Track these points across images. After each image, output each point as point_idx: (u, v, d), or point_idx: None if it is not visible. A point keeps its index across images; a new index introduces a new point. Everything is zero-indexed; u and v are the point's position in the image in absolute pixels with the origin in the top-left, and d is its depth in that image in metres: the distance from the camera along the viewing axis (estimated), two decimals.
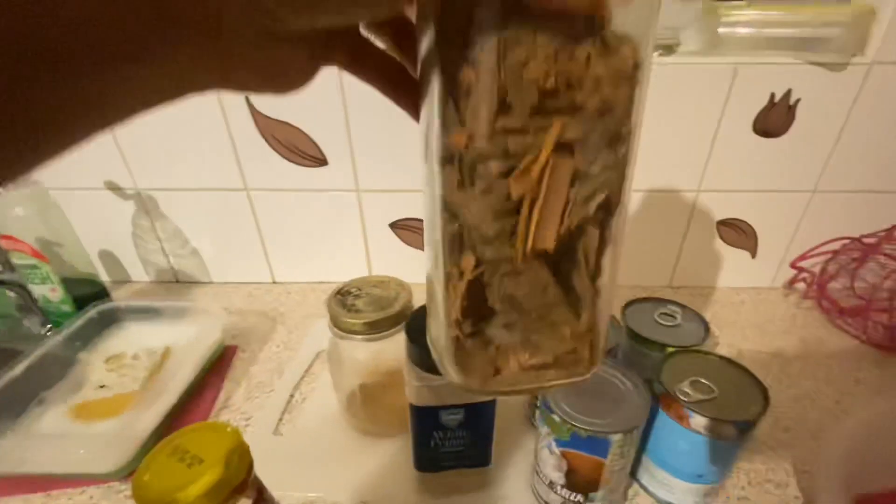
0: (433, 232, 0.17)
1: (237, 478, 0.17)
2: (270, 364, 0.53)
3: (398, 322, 0.36)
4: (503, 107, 0.14)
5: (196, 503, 0.15)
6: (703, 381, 0.34)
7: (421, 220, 0.62)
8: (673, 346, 0.38)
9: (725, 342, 0.56)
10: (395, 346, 0.37)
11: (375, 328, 0.36)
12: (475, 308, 0.17)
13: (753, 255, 0.64)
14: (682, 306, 0.43)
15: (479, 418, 0.33)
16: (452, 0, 0.14)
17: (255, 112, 0.55)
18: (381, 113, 0.53)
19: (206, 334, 0.50)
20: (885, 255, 0.54)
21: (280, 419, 0.46)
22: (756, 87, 0.52)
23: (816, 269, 0.61)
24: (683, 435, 0.33)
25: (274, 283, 0.68)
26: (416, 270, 0.66)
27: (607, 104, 0.14)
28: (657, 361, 0.36)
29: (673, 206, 0.60)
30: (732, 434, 0.32)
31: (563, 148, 0.14)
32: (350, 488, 0.38)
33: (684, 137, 0.55)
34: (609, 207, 0.16)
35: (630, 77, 0.14)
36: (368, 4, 0.13)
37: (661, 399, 0.34)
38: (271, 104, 0.54)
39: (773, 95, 0.52)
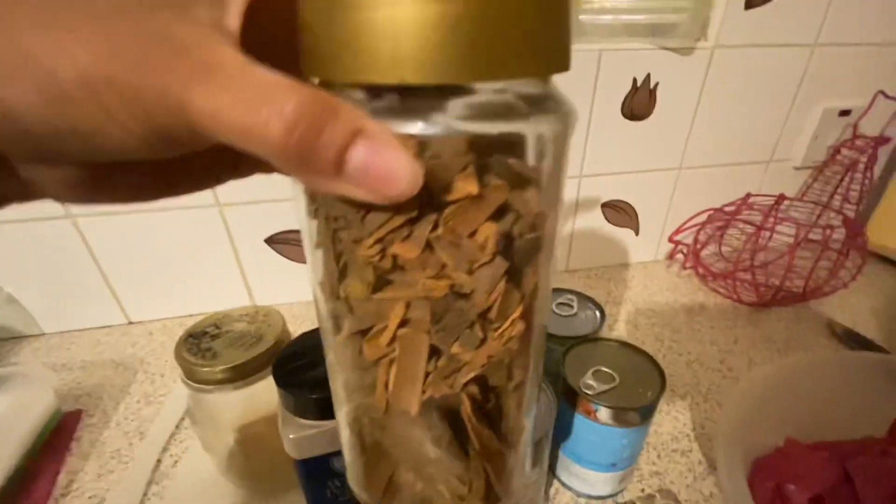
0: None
1: None
2: (128, 425, 0.43)
3: (270, 360, 0.31)
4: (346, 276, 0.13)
5: None
6: (605, 369, 0.33)
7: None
8: (572, 337, 0.37)
9: (622, 318, 0.58)
10: (270, 388, 0.31)
11: (241, 374, 0.29)
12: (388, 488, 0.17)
13: (637, 232, 0.67)
14: (577, 294, 0.43)
15: None
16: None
17: None
18: None
19: (30, 403, 0.39)
20: (742, 220, 0.59)
21: (145, 494, 0.37)
22: (620, 73, 0.54)
23: (690, 241, 0.65)
24: (592, 429, 0.32)
25: (130, 323, 0.56)
26: (305, 288, 0.60)
27: (458, 287, 0.12)
28: (558, 355, 0.35)
29: None
30: (637, 420, 0.31)
31: (417, 323, 0.13)
32: None
33: None
34: (491, 385, 0.14)
35: (492, 261, 0.12)
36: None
37: (567, 396, 0.33)
38: None
39: (635, 80, 0.55)
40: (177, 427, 0.43)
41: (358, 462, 0.18)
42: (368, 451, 0.17)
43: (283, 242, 0.55)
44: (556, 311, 0.41)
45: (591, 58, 0.52)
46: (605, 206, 0.63)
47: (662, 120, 0.58)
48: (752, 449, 0.30)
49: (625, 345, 0.36)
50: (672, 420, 0.44)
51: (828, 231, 0.55)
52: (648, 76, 0.55)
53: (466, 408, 0.14)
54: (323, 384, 0.25)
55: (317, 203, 0.13)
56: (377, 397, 0.14)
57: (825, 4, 0.55)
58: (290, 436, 0.26)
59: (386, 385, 0.13)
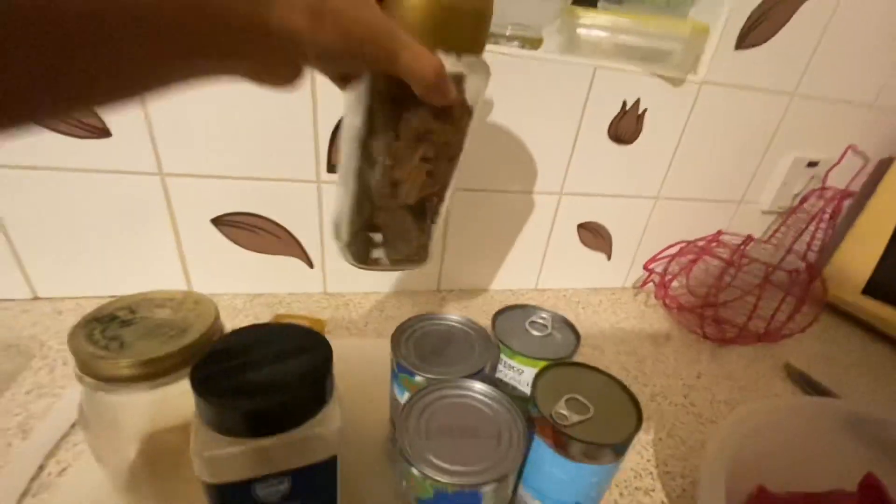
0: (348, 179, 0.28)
1: None
2: (10, 420, 0.36)
3: (195, 355, 0.25)
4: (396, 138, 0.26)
5: None
6: (579, 398, 0.30)
7: (255, 216, 0.49)
8: (546, 360, 0.34)
9: (589, 344, 0.56)
10: (188, 392, 0.26)
11: (153, 371, 0.24)
12: (369, 226, 0.29)
13: (609, 257, 0.66)
14: (552, 314, 0.40)
15: (314, 482, 0.24)
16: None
17: None
18: None
19: None
20: (711, 255, 0.59)
21: None
22: (611, 93, 0.53)
23: (661, 270, 0.65)
24: (561, 464, 0.29)
25: (35, 298, 0.48)
26: (249, 275, 0.54)
27: (450, 143, 0.28)
28: (530, 377, 0.32)
29: (539, 208, 0.58)
30: (611, 457, 0.28)
31: (425, 160, 0.27)
32: None
33: (549, 139, 0.54)
34: (444, 188, 0.29)
35: (464, 134, 0.29)
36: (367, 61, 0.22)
37: (536, 423, 0.29)
38: None
39: (625, 103, 0.54)
40: (72, 427, 0.36)
41: (350, 206, 0.28)
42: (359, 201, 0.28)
43: (234, 225, 0.49)
44: (530, 329, 0.38)
45: (585, 73, 0.50)
46: (581, 226, 0.62)
47: (646, 147, 0.57)
48: (727, 499, 0.27)
49: (600, 372, 0.33)
50: (636, 455, 0.41)
51: (794, 273, 0.55)
52: (638, 101, 0.54)
53: (434, 202, 0.29)
54: (254, 393, 0.21)
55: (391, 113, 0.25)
56: (399, 196, 0.27)
57: (808, 56, 0.56)
58: (204, 454, 0.21)
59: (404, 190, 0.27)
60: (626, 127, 0.55)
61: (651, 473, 0.40)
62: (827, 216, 0.59)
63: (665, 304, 0.64)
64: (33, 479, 0.32)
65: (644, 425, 0.45)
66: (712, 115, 0.57)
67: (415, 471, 0.23)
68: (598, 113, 0.53)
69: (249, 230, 0.50)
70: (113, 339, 0.24)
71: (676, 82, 0.53)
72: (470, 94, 0.27)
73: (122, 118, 0.42)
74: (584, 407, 0.30)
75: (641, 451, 0.42)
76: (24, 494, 0.31)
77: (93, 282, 0.49)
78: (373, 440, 0.37)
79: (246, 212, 0.49)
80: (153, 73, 0.16)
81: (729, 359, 0.57)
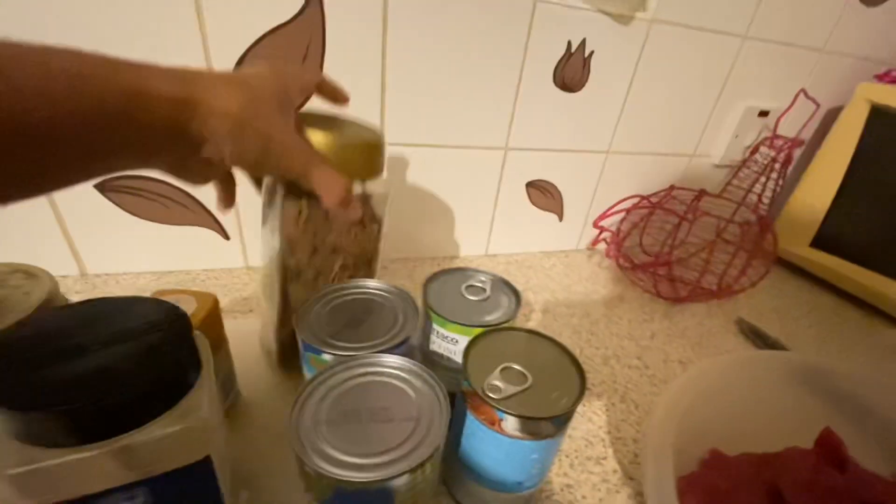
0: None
1: None
2: None
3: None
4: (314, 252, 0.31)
5: None
6: (515, 366, 0.27)
7: (150, 179, 0.42)
8: (483, 327, 0.30)
9: (540, 308, 0.53)
10: None
11: None
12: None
13: (560, 217, 0.63)
14: (492, 276, 0.36)
15: (185, 491, 0.19)
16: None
17: None
18: (62, 11, 0.33)
19: None
20: (665, 209, 0.57)
21: None
22: (554, 33, 0.48)
23: (614, 229, 0.62)
24: (497, 442, 0.25)
25: None
26: (159, 253, 0.46)
27: (365, 249, 0.33)
28: (463, 347, 0.28)
29: (485, 166, 0.54)
30: (551, 430, 0.25)
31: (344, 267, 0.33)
32: None
33: (491, 86, 0.49)
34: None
35: (377, 240, 0.33)
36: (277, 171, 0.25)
37: (468, 398, 0.26)
38: None
39: (569, 44, 0.49)
40: None
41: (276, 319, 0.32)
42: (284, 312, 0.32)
43: (124, 191, 0.42)
44: (466, 294, 0.34)
45: (524, 8, 0.45)
46: (529, 185, 0.58)
47: (594, 95, 0.53)
48: (677, 465, 0.25)
49: (540, 336, 0.29)
50: (587, 422, 0.39)
51: (745, 227, 0.54)
52: (584, 42, 0.49)
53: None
54: (69, 388, 0.16)
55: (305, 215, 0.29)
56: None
57: None
58: (7, 472, 0.15)
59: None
60: (571, 72, 0.51)
61: (603, 440, 0.37)
62: (778, 166, 0.57)
63: (618, 265, 0.62)
64: None
65: (596, 390, 0.42)
66: (663, 58, 0.54)
67: (308, 468, 0.19)
68: (541, 56, 0.49)
69: (146, 198, 0.43)
70: None
71: (624, 20, 0.49)
72: (377, 208, 0.33)
73: None
74: (521, 377, 0.26)
75: (592, 417, 0.39)
76: None
77: None
78: (277, 433, 0.33)
79: (137, 175, 0.42)
80: (88, 167, 0.18)
81: (682, 317, 0.56)
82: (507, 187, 0.57)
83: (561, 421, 0.25)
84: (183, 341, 0.18)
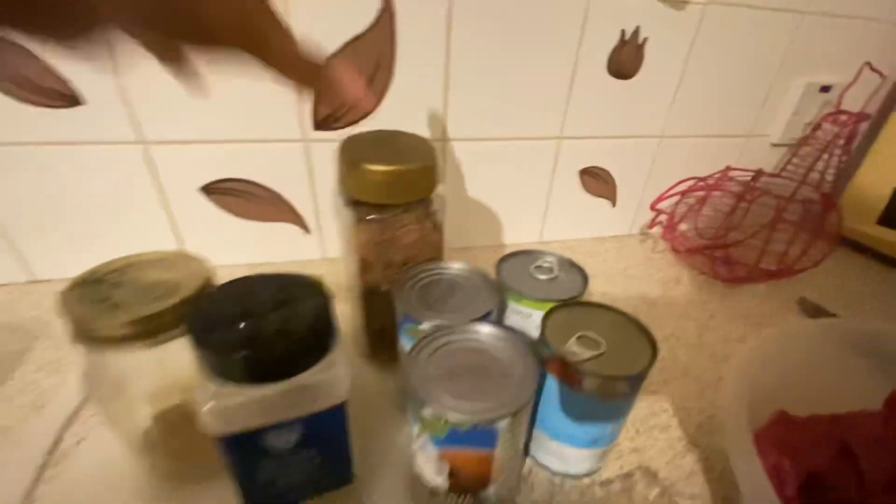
0: None
1: None
2: (23, 398, 0.36)
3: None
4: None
5: None
6: (590, 335, 0.29)
7: (245, 181, 0.48)
8: (554, 302, 0.33)
9: (598, 292, 0.55)
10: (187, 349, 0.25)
11: (151, 329, 0.23)
12: None
13: (613, 203, 0.64)
14: (557, 256, 0.39)
15: (326, 430, 0.24)
16: None
17: None
18: None
19: None
20: (721, 189, 0.57)
21: (37, 479, 0.30)
22: (608, 22, 0.49)
23: (670, 209, 0.63)
24: (576, 399, 0.28)
25: (33, 282, 0.48)
26: (245, 244, 0.53)
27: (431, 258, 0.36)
28: (539, 322, 0.31)
29: (539, 156, 0.56)
30: (625, 390, 0.28)
31: None
32: None
33: (545, 78, 0.51)
34: None
35: (440, 246, 0.37)
36: None
37: (547, 362, 0.29)
38: None
39: (623, 32, 0.51)
40: (85, 400, 0.36)
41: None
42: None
43: (223, 192, 0.48)
44: (535, 274, 0.37)
45: (578, 2, 0.47)
46: (583, 172, 0.60)
47: (648, 81, 0.54)
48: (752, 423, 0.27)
49: (611, 309, 0.32)
50: (651, 395, 0.41)
51: (807, 205, 0.53)
52: (638, 29, 0.51)
53: None
54: (256, 340, 0.20)
55: None
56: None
57: None
58: (210, 404, 0.20)
59: None
60: (625, 59, 0.52)
61: (667, 411, 0.40)
62: (842, 142, 0.56)
63: (673, 249, 0.63)
64: (50, 452, 0.32)
65: (658, 366, 0.44)
66: (717, 40, 0.54)
67: (427, 410, 0.23)
68: (596, 45, 0.50)
69: (241, 197, 0.49)
70: (104, 301, 0.23)
71: (679, 5, 0.50)
72: (438, 216, 0.35)
73: (92, 84, 0.40)
74: (595, 343, 0.29)
75: (656, 390, 0.42)
76: (43, 467, 0.31)
77: (89, 261, 0.48)
78: (381, 393, 0.37)
79: (234, 177, 0.47)
80: None
81: (741, 298, 0.56)
82: (561, 175, 0.59)
83: (635, 381, 0.27)
84: (327, 306, 0.22)
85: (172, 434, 0.28)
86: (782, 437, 0.27)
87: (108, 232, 0.47)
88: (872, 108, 0.65)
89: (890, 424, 0.27)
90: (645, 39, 0.52)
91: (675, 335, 0.49)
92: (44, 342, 0.41)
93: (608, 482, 0.33)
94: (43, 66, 0.38)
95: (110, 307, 0.23)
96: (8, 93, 0.38)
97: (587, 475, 0.33)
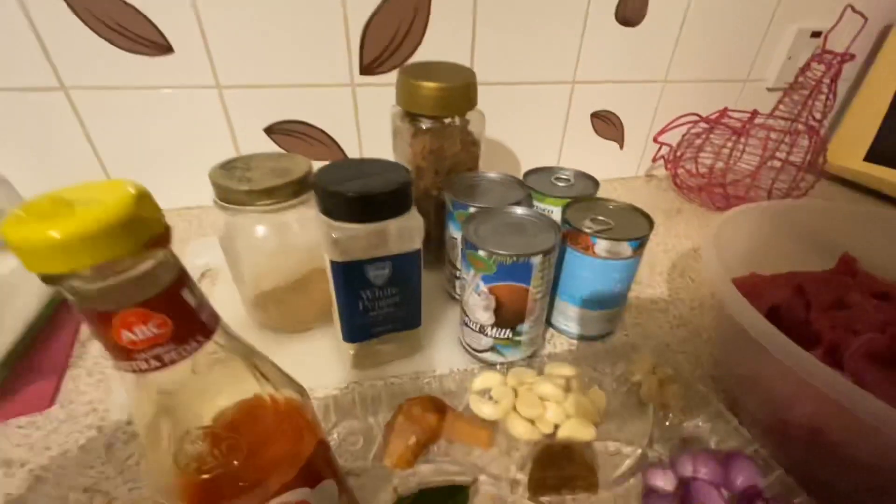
0: None
1: (153, 222, 0.12)
2: None
3: (301, 191, 0.33)
4: None
5: (104, 241, 0.11)
6: (600, 217, 0.37)
7: (303, 123, 0.56)
8: (570, 198, 0.41)
9: None
10: (301, 225, 0.34)
11: (275, 197, 0.31)
12: None
13: (621, 146, 0.71)
14: (572, 170, 0.46)
15: (406, 272, 0.32)
16: None
17: None
18: None
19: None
20: (720, 124, 0.64)
21: None
22: None
23: (673, 144, 0.70)
24: (589, 263, 0.36)
25: None
26: None
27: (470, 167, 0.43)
28: (556, 217, 0.39)
29: (554, 99, 0.63)
30: (629, 252, 0.36)
31: None
32: None
33: (559, 26, 0.58)
34: None
35: (477, 158, 0.44)
36: None
37: (567, 236, 0.37)
38: None
39: None
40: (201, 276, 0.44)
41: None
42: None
43: (284, 133, 0.56)
44: (555, 182, 0.44)
45: None
46: (594, 116, 0.67)
47: (652, 28, 0.61)
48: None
49: (617, 202, 0.40)
50: (650, 289, 0.49)
51: (794, 136, 0.60)
52: None
53: None
54: (359, 189, 0.28)
55: None
56: None
57: None
58: (333, 235, 0.28)
59: None
60: (632, 7, 0.59)
61: (665, 299, 0.48)
62: (828, 81, 0.62)
63: (676, 184, 0.70)
64: None
65: (658, 269, 0.52)
66: None
67: (481, 252, 0.31)
68: None
69: (298, 137, 0.57)
70: (241, 178, 0.31)
71: None
72: (476, 133, 0.42)
73: (181, 32, 0.47)
74: (605, 223, 0.37)
75: (655, 286, 0.49)
76: None
77: (166, 195, 0.57)
78: (432, 284, 0.46)
79: (292, 119, 0.55)
80: None
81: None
82: (574, 117, 0.66)
83: (637, 244, 0.35)
84: (407, 176, 0.30)
85: (281, 295, 0.37)
86: (751, 284, 0.35)
87: (185, 168, 0.55)
88: (860, 50, 0.71)
89: (836, 273, 0.35)
90: None
91: (674, 248, 0.56)
92: None
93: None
94: (143, 16, 0.46)
95: (242, 180, 0.31)
96: (113, 42, 0.46)
97: (598, 338, 0.41)
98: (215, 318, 0.15)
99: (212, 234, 0.53)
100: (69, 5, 0.44)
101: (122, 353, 0.13)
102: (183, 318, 0.13)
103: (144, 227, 0.12)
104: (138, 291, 0.12)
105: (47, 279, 0.11)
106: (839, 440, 0.24)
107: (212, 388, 0.16)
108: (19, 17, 0.43)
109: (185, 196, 0.57)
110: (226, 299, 0.41)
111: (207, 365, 0.15)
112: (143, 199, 0.12)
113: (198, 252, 0.48)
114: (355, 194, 0.27)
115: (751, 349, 0.26)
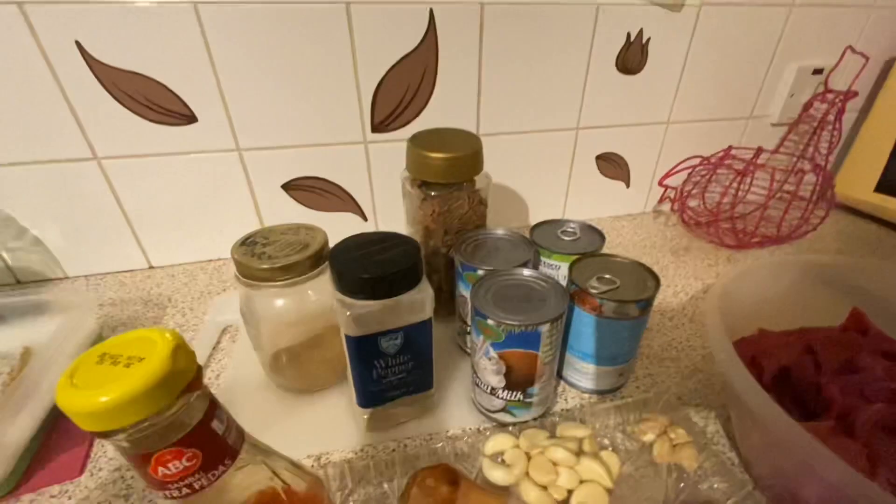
0: None
1: (188, 371, 0.14)
2: None
3: (317, 264, 0.34)
4: None
5: (145, 400, 0.12)
6: (607, 276, 0.38)
7: (319, 178, 0.58)
8: (577, 254, 0.42)
9: None
10: (317, 293, 0.35)
11: (292, 272, 0.33)
12: None
13: (627, 184, 0.72)
14: (578, 222, 0.47)
15: (418, 340, 0.33)
16: None
17: (89, 59, 0.46)
18: (255, 55, 0.49)
19: (76, 327, 0.42)
20: (727, 166, 0.64)
21: None
22: (615, 28, 0.58)
23: (678, 186, 0.71)
24: (598, 323, 0.37)
25: (151, 268, 0.59)
26: None
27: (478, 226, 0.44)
28: (566, 272, 0.39)
29: (559, 145, 0.65)
30: (636, 312, 0.36)
31: None
32: (291, 446, 0.35)
33: (561, 78, 0.60)
34: None
35: (484, 217, 0.45)
36: None
37: (574, 297, 0.38)
38: (109, 49, 0.46)
39: (629, 35, 0.59)
40: (214, 349, 0.46)
41: None
42: None
43: (300, 189, 0.58)
44: (561, 236, 0.46)
45: (588, 13, 0.56)
46: (599, 158, 0.68)
47: (653, 74, 0.63)
48: (730, 334, 0.35)
49: (623, 258, 0.41)
50: (661, 335, 0.49)
51: (800, 174, 0.60)
52: (641, 31, 0.59)
53: None
54: (372, 269, 0.29)
55: None
56: None
57: None
58: (347, 313, 0.30)
59: None
60: (632, 58, 0.60)
61: (675, 348, 0.48)
62: (832, 118, 0.63)
63: (683, 221, 0.71)
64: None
65: (668, 314, 0.52)
66: (714, 36, 0.62)
67: (490, 321, 0.32)
68: (605, 47, 0.59)
69: (313, 192, 0.59)
70: (261, 255, 0.33)
71: (675, 8, 0.58)
72: (483, 194, 0.43)
73: (204, 103, 0.50)
74: (611, 281, 0.38)
75: (666, 332, 0.50)
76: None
77: (192, 249, 0.59)
78: (443, 338, 0.47)
79: (308, 175, 0.58)
80: None
81: (745, 261, 0.64)
82: (579, 161, 0.67)
83: (644, 304, 0.36)
84: (417, 250, 0.32)
85: (299, 359, 0.38)
86: (760, 342, 0.35)
87: (209, 224, 0.58)
88: (863, 87, 0.71)
89: (846, 331, 0.35)
90: (648, 39, 0.60)
91: (685, 290, 0.57)
92: (171, 310, 0.52)
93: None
94: (170, 91, 0.49)
95: (261, 256, 0.33)
96: (142, 115, 0.49)
97: (610, 391, 0.42)
98: (241, 435, 0.17)
99: (232, 288, 0.55)
100: (102, 84, 0.47)
101: (157, 485, 0.14)
102: (212, 447, 0.15)
103: (180, 378, 0.13)
104: (173, 432, 0.14)
105: (97, 434, 0.12)
106: None
107: (232, 489, 0.18)
108: (57, 96, 0.47)
109: (207, 249, 0.60)
110: (245, 357, 0.42)
111: (230, 475, 0.17)
112: (180, 350, 0.13)
113: (219, 308, 0.50)
114: (369, 276, 0.29)
115: (754, 421, 0.26)
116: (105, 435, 0.12)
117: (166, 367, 0.13)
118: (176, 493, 0.14)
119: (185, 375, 0.14)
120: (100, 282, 0.57)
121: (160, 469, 0.14)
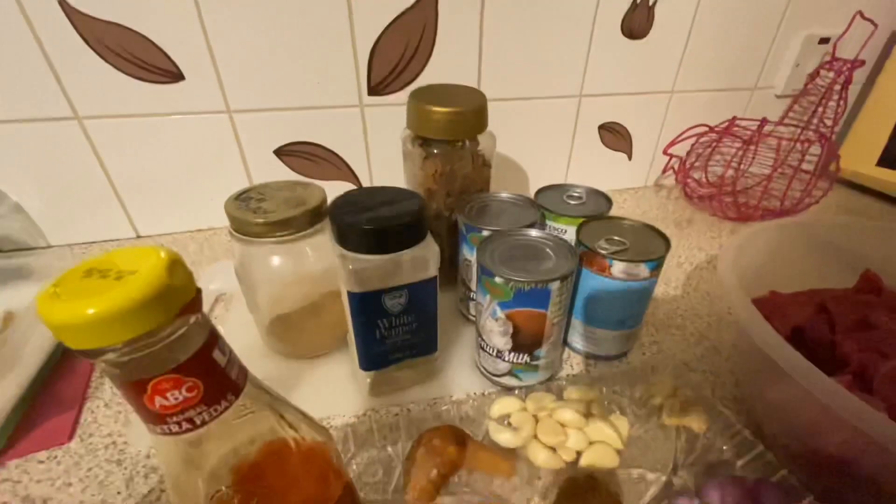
0: None
1: (186, 290, 0.12)
2: None
3: (315, 220, 0.33)
4: None
5: (139, 314, 0.11)
6: (616, 237, 0.37)
7: (313, 144, 0.56)
8: (584, 217, 0.40)
9: None
10: (315, 251, 0.34)
11: (290, 227, 0.31)
12: None
13: (630, 156, 0.71)
14: (584, 187, 0.46)
15: (422, 299, 0.32)
16: None
17: (66, 7, 0.43)
18: (245, 7, 0.46)
19: None
20: (731, 135, 0.63)
21: None
22: None
23: (682, 157, 0.69)
24: (606, 284, 0.36)
25: (138, 237, 0.57)
26: None
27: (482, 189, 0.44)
28: (573, 236, 0.38)
29: (560, 113, 0.63)
30: (646, 273, 0.35)
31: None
32: None
33: (565, 40, 0.58)
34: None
35: (488, 179, 0.44)
36: None
37: (583, 258, 0.36)
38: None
39: None
40: (209, 310, 0.44)
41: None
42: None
43: (293, 154, 0.56)
44: (567, 200, 0.44)
45: None
46: (602, 128, 0.66)
47: (659, 40, 0.61)
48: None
49: (631, 220, 0.39)
50: (666, 304, 0.48)
51: (805, 144, 0.59)
52: None
53: None
54: (375, 222, 0.28)
55: None
56: None
57: None
58: (350, 266, 0.28)
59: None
60: (638, 20, 0.58)
61: (681, 315, 0.47)
62: (838, 87, 0.62)
63: (686, 193, 0.70)
64: None
65: (672, 284, 0.52)
66: (721, 0, 0.60)
67: (498, 279, 0.30)
68: (610, 9, 0.57)
69: (307, 158, 0.57)
70: (257, 209, 0.31)
71: None
72: (487, 155, 0.42)
73: (192, 60, 0.48)
74: (620, 242, 0.36)
75: (671, 301, 0.49)
76: None
77: (181, 218, 0.57)
78: (446, 304, 0.45)
79: (302, 140, 0.56)
80: None
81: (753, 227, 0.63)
82: (581, 130, 0.66)
83: (654, 265, 0.35)
84: (422, 205, 0.30)
85: (293, 322, 0.37)
86: (773, 303, 0.34)
87: (198, 191, 0.55)
88: (870, 56, 0.70)
89: (859, 291, 0.34)
90: (654, 2, 0.58)
91: (689, 261, 0.56)
92: None
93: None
94: (155, 46, 0.46)
95: (256, 211, 0.31)
96: (125, 72, 0.47)
97: (616, 357, 0.41)
98: (244, 373, 0.15)
99: (224, 257, 0.53)
100: (82, 37, 0.44)
101: (155, 418, 0.13)
102: (214, 379, 0.13)
103: (177, 296, 0.12)
104: (170, 358, 0.12)
105: (84, 353, 0.11)
106: (872, 471, 0.23)
107: (239, 437, 0.16)
108: (34, 49, 0.44)
109: (197, 218, 0.57)
110: (240, 325, 0.41)
111: (235, 418, 0.15)
112: (175, 266, 0.12)
113: (212, 277, 0.48)
114: (371, 227, 0.27)
115: (775, 376, 0.25)
116: (93, 354, 0.11)
117: (162, 281, 0.11)
118: (175, 428, 0.13)
119: (182, 293, 0.12)
120: (84, 251, 0.54)
121: (157, 399, 0.12)
